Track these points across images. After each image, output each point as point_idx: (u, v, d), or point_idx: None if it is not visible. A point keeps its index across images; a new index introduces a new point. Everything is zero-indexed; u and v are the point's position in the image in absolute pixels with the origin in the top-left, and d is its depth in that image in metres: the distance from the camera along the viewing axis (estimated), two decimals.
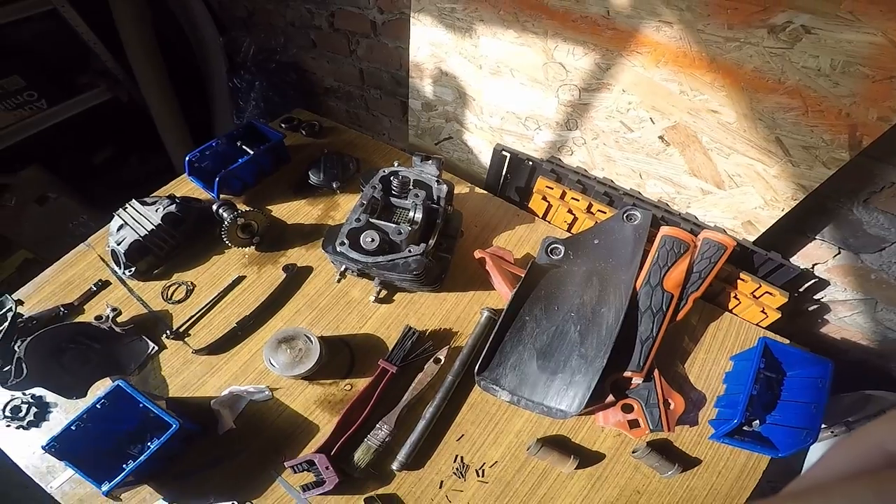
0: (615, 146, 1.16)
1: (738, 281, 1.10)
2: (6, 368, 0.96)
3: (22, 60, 2.05)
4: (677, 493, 0.90)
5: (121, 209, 1.18)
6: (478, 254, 1.10)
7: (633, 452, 0.92)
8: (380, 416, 0.94)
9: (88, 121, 2.17)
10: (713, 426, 0.96)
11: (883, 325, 1.20)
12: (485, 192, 1.33)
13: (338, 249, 1.01)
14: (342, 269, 1.07)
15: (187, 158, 1.25)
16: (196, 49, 2.19)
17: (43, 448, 0.82)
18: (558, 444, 0.93)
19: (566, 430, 0.96)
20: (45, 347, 0.98)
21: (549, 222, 1.25)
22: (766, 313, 1.08)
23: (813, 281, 1.18)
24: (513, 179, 1.31)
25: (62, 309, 1.10)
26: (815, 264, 1.18)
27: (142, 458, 0.84)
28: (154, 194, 1.30)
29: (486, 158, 1.45)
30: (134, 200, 1.19)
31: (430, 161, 1.13)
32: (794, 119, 0.91)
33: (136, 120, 2.33)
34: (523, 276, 1.05)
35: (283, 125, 1.44)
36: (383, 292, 1.11)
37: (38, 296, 1.15)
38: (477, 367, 0.96)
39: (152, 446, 0.86)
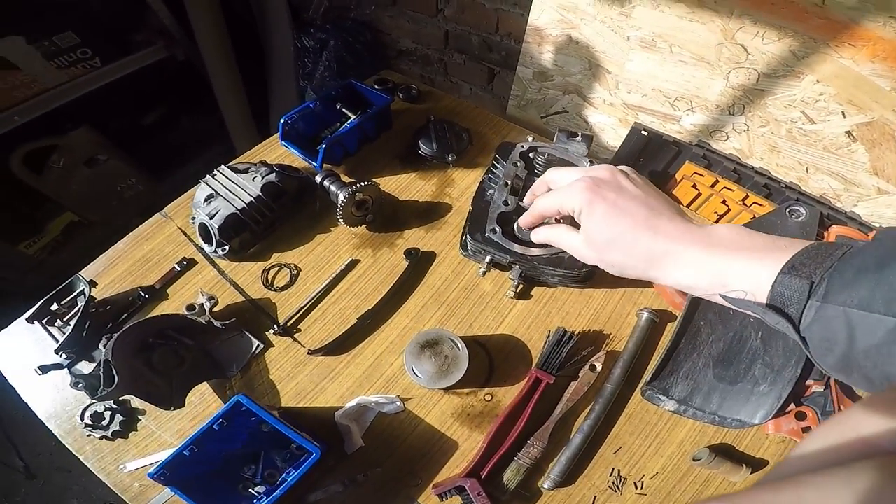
0: (786, 136, 1.01)
1: None
2: (91, 372, 0.76)
3: (77, 15, 1.87)
4: None
5: (209, 176, 0.97)
6: None
7: (695, 460, 0.79)
8: (530, 430, 0.77)
9: (141, 80, 2.04)
10: None
11: None
12: None
13: (489, 237, 0.83)
14: (488, 259, 0.86)
15: (282, 120, 1.05)
16: (255, 2, 1.94)
17: (150, 476, 0.64)
18: (726, 453, 0.78)
19: (730, 438, 0.82)
20: (130, 346, 0.77)
21: (697, 213, 1.07)
22: None
23: None
24: (647, 163, 1.12)
25: (141, 292, 0.90)
26: None
27: (278, 492, 0.66)
28: (241, 160, 1.08)
29: (608, 137, 1.26)
30: (224, 167, 0.99)
31: (577, 138, 0.94)
32: None
33: (189, 80, 2.17)
34: None
35: (376, 87, 1.20)
36: (521, 286, 0.91)
37: (110, 274, 0.94)
38: (649, 377, 0.81)
39: (290, 479, 0.67)
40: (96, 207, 2.17)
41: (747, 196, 1.00)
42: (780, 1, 0.87)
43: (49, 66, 1.79)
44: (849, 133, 0.94)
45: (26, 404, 0.81)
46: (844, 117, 0.93)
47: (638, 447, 0.80)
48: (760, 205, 1.00)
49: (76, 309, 0.84)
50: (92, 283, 0.86)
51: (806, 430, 0.80)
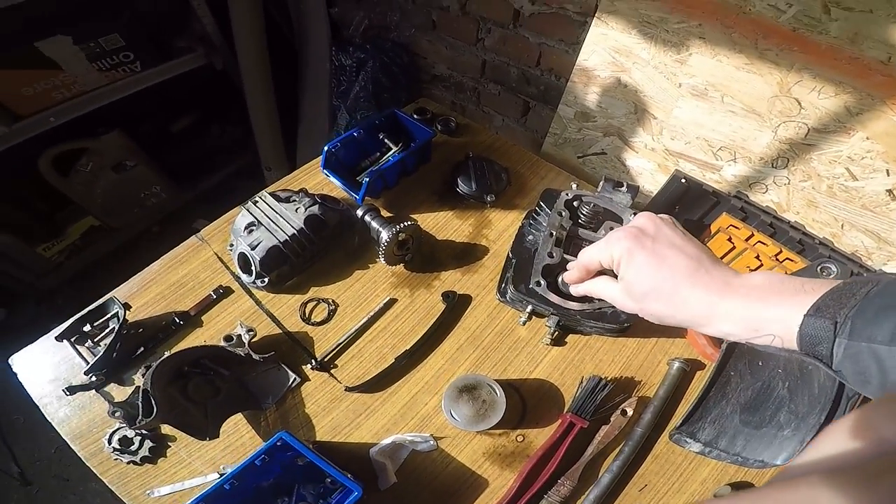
0: (826, 192, 1.03)
1: None
2: (126, 400, 0.78)
3: (124, 18, 1.87)
4: None
5: (250, 202, 1.00)
6: None
7: (716, 496, 0.83)
8: (561, 471, 0.80)
9: (177, 86, 2.03)
10: None
11: None
12: None
13: (532, 289, 0.86)
14: (529, 310, 0.89)
15: (326, 148, 1.07)
16: (296, 17, 2.02)
17: None
18: (746, 489, 0.82)
19: (751, 476, 0.85)
20: (167, 375, 0.79)
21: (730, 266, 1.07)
22: None
23: None
24: (682, 211, 1.13)
25: (176, 318, 0.92)
26: None
27: None
28: (281, 185, 1.10)
29: (644, 182, 1.29)
30: (266, 193, 1.01)
31: (622, 188, 0.96)
32: None
33: (223, 89, 2.19)
34: None
35: (415, 116, 1.22)
36: (557, 333, 0.93)
37: (143, 296, 0.97)
38: (680, 422, 0.84)
39: None
40: (118, 213, 2.21)
41: (781, 251, 1.02)
42: (845, 57, 0.90)
43: (91, 67, 1.81)
44: (890, 191, 0.96)
45: (28, 410, 0.82)
46: (888, 175, 0.95)
47: (662, 485, 0.83)
48: (793, 261, 1.02)
49: (108, 330, 0.87)
50: (126, 306, 0.88)
51: None
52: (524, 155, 1.24)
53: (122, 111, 1.93)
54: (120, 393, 0.84)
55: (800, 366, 0.90)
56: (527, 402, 0.89)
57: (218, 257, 1.01)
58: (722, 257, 1.09)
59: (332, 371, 0.89)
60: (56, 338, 0.87)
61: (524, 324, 0.92)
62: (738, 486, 0.82)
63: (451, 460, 0.83)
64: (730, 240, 1.05)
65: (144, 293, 0.97)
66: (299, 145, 2.32)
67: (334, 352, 0.91)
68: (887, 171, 0.95)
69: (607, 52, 1.18)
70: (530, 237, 0.95)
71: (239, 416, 0.84)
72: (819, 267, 0.98)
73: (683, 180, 1.11)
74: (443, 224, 1.11)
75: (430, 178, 1.18)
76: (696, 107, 1.12)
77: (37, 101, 1.73)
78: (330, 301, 0.97)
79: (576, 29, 1.25)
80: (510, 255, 0.95)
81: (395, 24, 1.86)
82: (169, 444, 0.82)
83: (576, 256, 0.88)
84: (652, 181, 1.27)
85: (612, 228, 0.91)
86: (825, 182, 1.03)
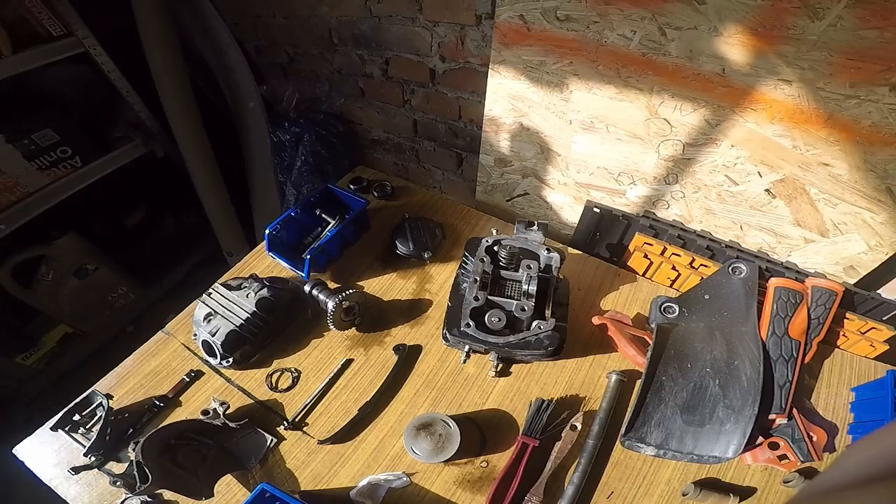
0: (716, 199, 1.21)
1: (845, 320, 1.15)
2: (124, 472, 0.93)
3: (54, 112, 1.89)
4: None
5: (205, 296, 1.16)
6: (596, 320, 1.12)
7: (786, 482, 0.96)
8: (524, 489, 0.94)
9: (122, 179, 2.06)
10: None
11: None
12: (578, 252, 1.35)
13: (464, 331, 1.02)
14: (466, 349, 1.06)
15: (267, 232, 1.23)
16: (231, 99, 2.13)
17: None
18: (712, 485, 0.96)
19: (714, 472, 0.99)
20: (156, 448, 0.94)
21: (652, 280, 1.28)
22: (874, 346, 1.14)
23: None
24: (603, 237, 1.32)
25: (156, 401, 1.08)
26: None
27: None
28: (232, 274, 1.26)
29: (567, 215, 1.46)
30: (218, 285, 1.18)
31: (534, 227, 1.13)
32: None
33: (170, 177, 2.24)
34: (649, 337, 1.08)
35: (351, 186, 1.39)
36: (501, 366, 1.10)
37: (123, 387, 1.12)
38: (623, 430, 0.99)
39: None
40: (89, 318, 2.26)
41: (693, 259, 1.20)
42: (690, 73, 1.06)
43: (30, 167, 1.81)
44: (768, 191, 1.14)
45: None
46: (761, 177, 1.12)
47: (629, 490, 0.97)
48: (707, 266, 1.20)
49: (97, 418, 1.03)
50: (108, 396, 1.04)
51: (782, 458, 0.98)
52: (457, 208, 1.43)
53: (72, 211, 1.96)
54: (120, 469, 0.97)
55: (726, 362, 1.06)
56: (485, 430, 1.04)
57: (185, 346, 1.16)
58: (643, 273, 1.27)
59: (304, 429, 1.04)
60: (51, 428, 1.02)
61: (464, 362, 1.09)
62: (703, 484, 0.95)
63: (425, 492, 0.97)
64: (646, 256, 1.24)
65: (124, 384, 1.11)
66: (256, 226, 2.41)
67: (303, 412, 1.06)
68: (759, 172, 1.12)
69: (506, 99, 1.34)
70: (464, 284, 1.11)
71: (229, 476, 0.98)
72: (731, 268, 1.16)
73: (596, 209, 1.29)
74: (388, 286, 1.27)
75: (372, 244, 1.35)
76: (589, 139, 1.28)
77: None
78: (293, 369, 1.12)
79: (482, 80, 1.41)
80: (449, 303, 1.11)
81: (326, 94, 2.03)
82: None
83: (503, 296, 1.05)
84: (573, 213, 1.44)
85: (529, 267, 1.08)
86: (713, 190, 1.20)
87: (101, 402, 1.03)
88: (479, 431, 1.04)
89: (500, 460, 0.99)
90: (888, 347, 1.13)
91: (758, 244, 1.24)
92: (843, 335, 1.15)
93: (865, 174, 1.00)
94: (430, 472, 0.99)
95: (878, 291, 1.18)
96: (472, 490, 0.97)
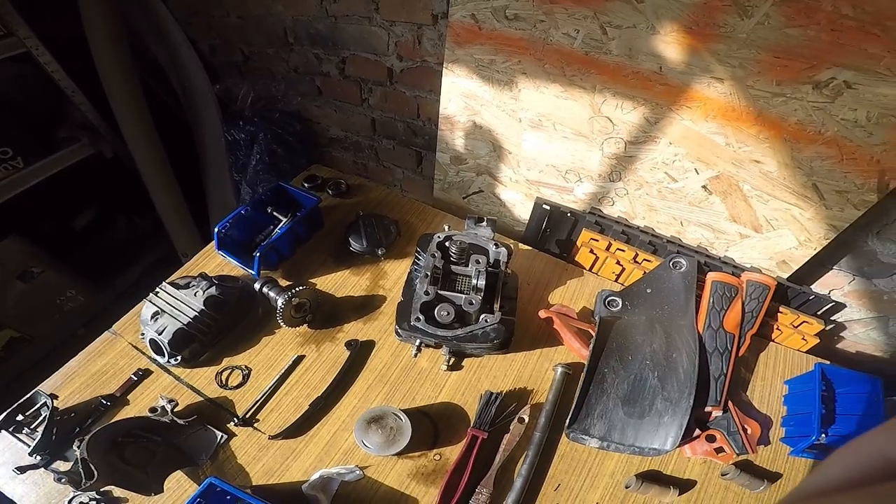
0: (658, 196, 1.26)
1: (778, 314, 1.22)
2: (70, 469, 0.93)
3: None
4: None
5: (152, 294, 1.17)
6: (542, 314, 1.16)
7: (724, 475, 1.00)
8: (476, 481, 0.97)
9: (69, 180, 2.02)
10: (788, 444, 1.07)
11: (895, 338, 1.34)
12: (528, 247, 1.39)
13: (414, 325, 1.05)
14: (417, 343, 1.09)
15: (216, 230, 1.25)
16: (184, 98, 2.10)
17: None
18: (653, 478, 1.00)
19: (656, 464, 1.04)
20: (102, 445, 0.95)
21: (598, 274, 1.33)
22: (805, 340, 1.21)
23: (831, 304, 1.27)
24: (553, 233, 1.37)
25: (103, 400, 1.07)
26: (832, 290, 1.30)
27: None
28: (181, 273, 1.26)
29: (519, 212, 1.50)
30: (166, 284, 1.19)
31: (483, 223, 1.17)
32: (829, 166, 1.02)
33: (120, 178, 2.20)
34: (593, 330, 1.13)
35: (305, 184, 1.41)
36: (452, 360, 1.14)
37: (68, 387, 1.11)
38: (567, 422, 1.03)
39: None
40: (36, 323, 2.18)
41: (637, 254, 1.27)
42: (629, 72, 1.11)
43: None
44: (704, 187, 1.20)
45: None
46: (698, 173, 1.18)
47: (575, 483, 1.01)
48: (649, 261, 1.26)
49: (41, 418, 1.02)
50: (53, 396, 1.03)
51: (719, 450, 1.02)
52: (413, 205, 1.47)
53: (15, 213, 1.90)
54: (66, 467, 0.97)
55: (665, 355, 1.11)
56: (437, 423, 1.07)
57: (132, 346, 1.17)
58: (590, 268, 1.32)
59: (255, 425, 1.05)
60: None
61: (416, 356, 1.12)
62: (646, 477, 0.99)
63: (379, 485, 0.99)
64: (592, 252, 1.29)
65: (69, 384, 1.11)
66: (212, 226, 2.24)
67: (254, 408, 1.07)
68: (696, 169, 1.18)
69: (460, 98, 1.38)
70: (417, 280, 1.14)
71: (180, 473, 0.99)
72: (671, 262, 1.22)
73: (545, 206, 1.34)
74: (341, 283, 1.30)
75: (325, 242, 1.37)
76: (538, 137, 1.33)
77: None
78: (243, 367, 1.13)
79: (438, 79, 1.43)
80: (401, 298, 1.14)
81: (282, 93, 2.03)
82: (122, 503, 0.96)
83: (454, 290, 1.08)
84: (524, 210, 1.49)
85: (477, 262, 1.12)
86: (654, 187, 1.26)
87: (45, 402, 1.02)
88: (433, 425, 1.07)
89: (453, 453, 1.02)
90: (819, 341, 1.20)
91: (697, 240, 1.30)
92: (778, 329, 1.22)
93: (793, 171, 1.06)
94: (384, 466, 1.01)
95: (810, 286, 1.25)
96: (426, 483, 0.99)
